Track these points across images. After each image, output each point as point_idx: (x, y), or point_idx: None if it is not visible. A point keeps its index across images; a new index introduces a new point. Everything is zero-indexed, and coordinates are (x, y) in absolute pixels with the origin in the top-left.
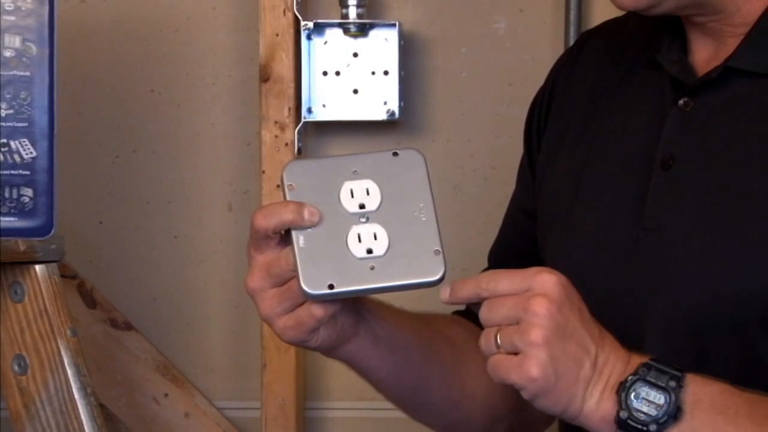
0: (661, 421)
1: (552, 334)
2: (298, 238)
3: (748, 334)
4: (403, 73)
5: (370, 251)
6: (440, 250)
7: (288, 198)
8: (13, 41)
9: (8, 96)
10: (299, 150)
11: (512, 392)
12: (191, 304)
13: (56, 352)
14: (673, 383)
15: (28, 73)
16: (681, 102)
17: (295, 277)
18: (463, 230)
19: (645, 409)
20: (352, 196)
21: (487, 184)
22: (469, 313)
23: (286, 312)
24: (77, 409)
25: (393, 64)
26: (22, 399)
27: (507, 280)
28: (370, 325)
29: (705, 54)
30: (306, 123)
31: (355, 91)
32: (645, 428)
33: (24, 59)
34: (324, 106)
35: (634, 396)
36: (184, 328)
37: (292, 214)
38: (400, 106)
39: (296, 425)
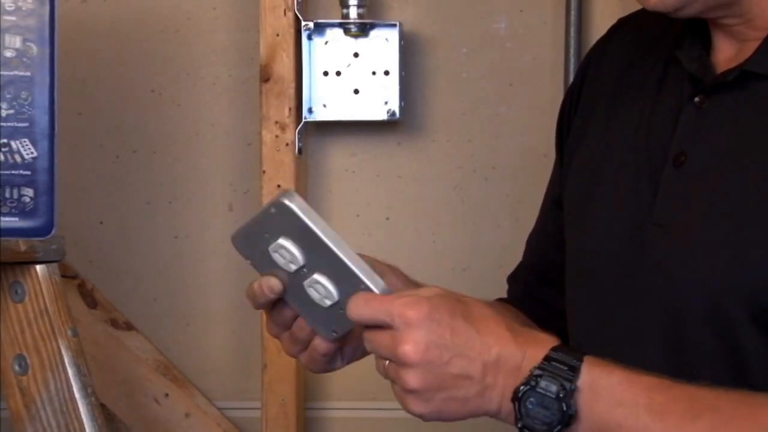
0: (555, 428)
1: (424, 375)
2: (290, 300)
3: (755, 328)
4: (403, 73)
5: (328, 298)
6: (360, 278)
7: (251, 265)
8: (14, 41)
9: (9, 96)
10: (299, 150)
11: None
12: (192, 304)
13: (57, 352)
14: (563, 393)
15: (28, 73)
16: (696, 99)
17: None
18: (464, 230)
19: (540, 415)
20: (283, 258)
21: (487, 184)
22: (513, 299)
23: (302, 349)
24: (78, 409)
25: (394, 64)
26: (22, 399)
27: (368, 311)
28: None
29: (726, 53)
30: (306, 123)
31: (356, 91)
32: None
33: (25, 59)
34: (325, 106)
35: (529, 404)
36: (185, 328)
37: (261, 297)
38: (400, 106)
39: (297, 425)
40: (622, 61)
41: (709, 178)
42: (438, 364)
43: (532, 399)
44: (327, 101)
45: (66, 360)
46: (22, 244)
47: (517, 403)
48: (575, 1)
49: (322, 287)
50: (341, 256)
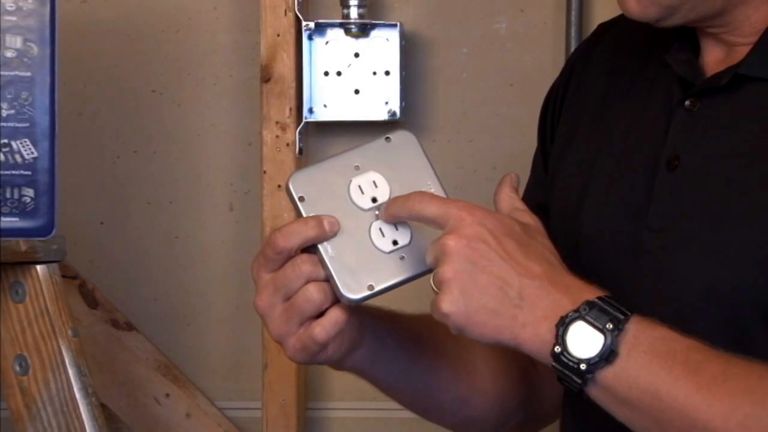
0: (593, 362)
1: (459, 269)
2: (326, 249)
3: (753, 333)
4: (404, 73)
5: (395, 242)
6: None
7: (302, 210)
8: (15, 41)
9: (9, 96)
10: (300, 150)
11: (520, 386)
12: (192, 304)
13: (57, 353)
14: (611, 326)
15: (29, 74)
16: (688, 102)
17: (332, 287)
18: None
19: (579, 347)
20: (362, 192)
21: (488, 184)
22: None
23: (295, 329)
24: (78, 409)
25: (394, 65)
26: (23, 399)
27: (432, 208)
28: (375, 331)
29: (714, 56)
30: (307, 123)
31: (357, 92)
32: (576, 366)
33: (25, 59)
34: (325, 106)
35: (571, 332)
36: (186, 329)
37: (314, 229)
38: (401, 107)
39: (297, 425)
40: (608, 66)
41: (705, 181)
42: (474, 263)
43: (577, 327)
44: (327, 101)
45: (66, 360)
46: (22, 244)
47: (560, 328)
48: (575, 1)
49: (396, 227)
50: (445, 192)
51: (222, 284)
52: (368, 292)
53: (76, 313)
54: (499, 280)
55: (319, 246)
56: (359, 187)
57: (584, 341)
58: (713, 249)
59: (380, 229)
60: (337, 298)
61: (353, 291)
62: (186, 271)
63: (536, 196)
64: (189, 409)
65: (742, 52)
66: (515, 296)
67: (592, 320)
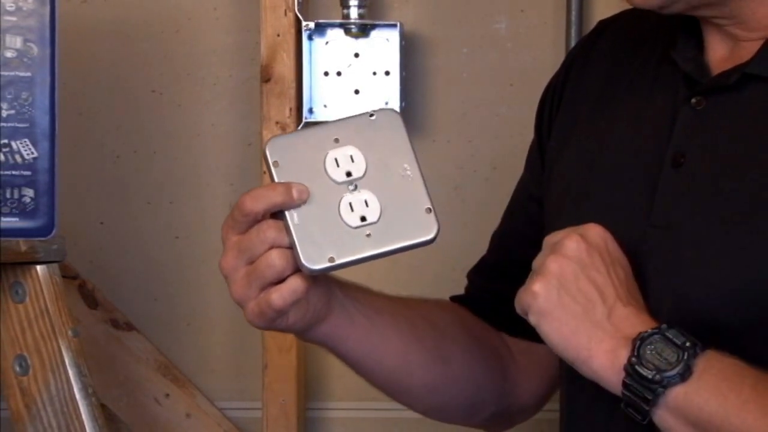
0: (669, 375)
1: (569, 265)
2: (292, 217)
3: (760, 331)
4: (404, 73)
5: (363, 219)
6: (431, 207)
7: (275, 175)
8: (15, 42)
9: (9, 96)
10: None
11: (495, 378)
12: (192, 304)
13: (57, 353)
14: (689, 344)
15: (29, 74)
16: (694, 100)
17: (294, 255)
18: (464, 231)
19: (656, 362)
20: (338, 165)
21: (488, 184)
22: (465, 300)
23: (256, 293)
24: (78, 409)
25: (394, 65)
26: (23, 399)
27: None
28: (344, 305)
29: (720, 53)
30: (307, 123)
31: (357, 92)
32: (651, 378)
33: (25, 60)
34: (325, 106)
35: (650, 347)
36: (186, 329)
37: (282, 195)
38: (401, 107)
39: (297, 425)
40: (608, 63)
41: (711, 180)
42: (583, 266)
43: (656, 342)
44: (327, 101)
45: (67, 360)
46: (22, 245)
47: (638, 342)
48: (575, 1)
49: (366, 204)
50: (422, 176)
51: (222, 284)
52: (328, 264)
53: (76, 313)
54: (597, 291)
55: (286, 213)
56: (335, 159)
57: (661, 356)
58: (720, 247)
59: (350, 204)
60: (299, 267)
61: (313, 261)
62: (186, 272)
63: (531, 190)
64: (189, 409)
65: (747, 49)
66: (605, 312)
67: (671, 337)
